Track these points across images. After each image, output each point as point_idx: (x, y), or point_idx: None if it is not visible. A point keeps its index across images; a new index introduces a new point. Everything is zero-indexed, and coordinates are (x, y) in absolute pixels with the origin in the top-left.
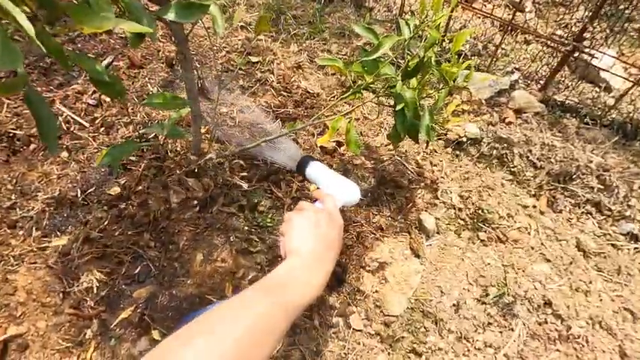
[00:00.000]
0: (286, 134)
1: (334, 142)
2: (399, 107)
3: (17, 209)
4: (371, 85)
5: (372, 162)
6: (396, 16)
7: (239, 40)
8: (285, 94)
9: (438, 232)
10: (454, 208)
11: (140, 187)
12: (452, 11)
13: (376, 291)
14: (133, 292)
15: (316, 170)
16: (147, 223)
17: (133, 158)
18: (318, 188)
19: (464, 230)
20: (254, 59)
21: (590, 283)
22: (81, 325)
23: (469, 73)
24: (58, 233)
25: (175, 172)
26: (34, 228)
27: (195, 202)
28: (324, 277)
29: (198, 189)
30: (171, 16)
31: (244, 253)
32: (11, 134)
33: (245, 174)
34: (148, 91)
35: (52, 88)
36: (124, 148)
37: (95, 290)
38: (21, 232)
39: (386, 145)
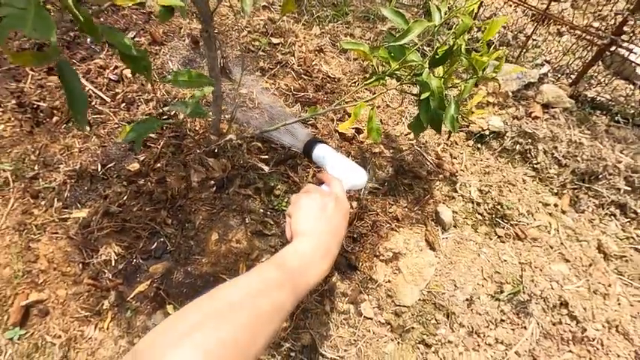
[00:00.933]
0: (305, 119)
1: (353, 128)
2: (424, 96)
3: (40, 180)
4: (396, 72)
5: (391, 151)
6: (424, 1)
7: (261, 20)
8: (305, 77)
9: (454, 226)
10: (472, 202)
11: (159, 165)
12: None
13: (389, 281)
14: (149, 267)
15: (323, 152)
16: (165, 200)
17: (152, 135)
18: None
19: (481, 225)
20: (275, 41)
21: (610, 286)
22: (99, 296)
23: (499, 64)
24: (79, 205)
25: (194, 152)
26: (55, 199)
27: (212, 182)
28: (331, 261)
29: (218, 169)
30: None
31: (259, 235)
32: (35, 106)
33: (262, 157)
34: (168, 68)
35: (74, 61)
36: (147, 124)
37: (113, 263)
38: (43, 203)
39: (406, 135)
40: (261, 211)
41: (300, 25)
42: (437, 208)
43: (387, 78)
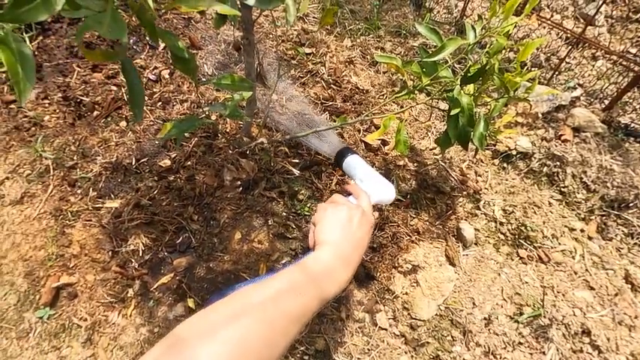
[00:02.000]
0: (334, 127)
1: (379, 140)
2: (453, 112)
3: (78, 170)
4: (426, 87)
5: (415, 164)
6: (456, 19)
7: (295, 30)
8: (334, 87)
9: (475, 244)
10: (495, 222)
11: (189, 163)
12: (522, 19)
13: (406, 293)
14: (173, 260)
15: (354, 163)
16: (192, 197)
17: (185, 135)
18: (353, 182)
19: (503, 245)
20: (307, 50)
21: (636, 317)
22: (124, 284)
23: (532, 85)
24: (112, 196)
25: (225, 152)
26: (91, 189)
27: (239, 182)
28: (351, 272)
29: (249, 170)
30: (251, 1)
31: (280, 237)
32: (79, 100)
33: (293, 161)
34: (203, 71)
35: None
36: (189, 122)
37: (140, 253)
38: (79, 191)
39: (431, 149)
40: (284, 214)
41: (332, 37)
42: (459, 225)
43: (416, 92)
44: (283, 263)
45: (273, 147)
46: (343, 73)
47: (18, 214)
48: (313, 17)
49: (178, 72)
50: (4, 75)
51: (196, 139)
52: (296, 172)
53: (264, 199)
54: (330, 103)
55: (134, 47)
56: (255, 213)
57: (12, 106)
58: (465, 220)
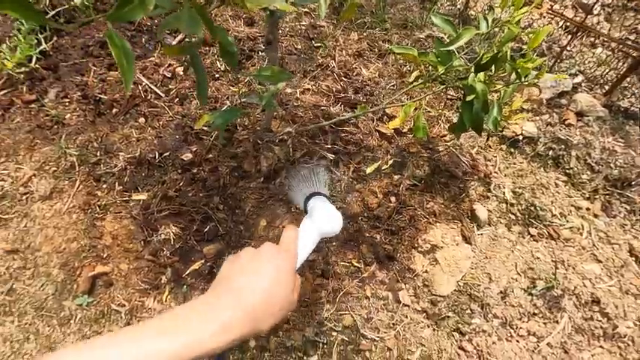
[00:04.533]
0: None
1: (393, 129)
2: (469, 98)
3: (102, 165)
4: (441, 76)
5: (428, 152)
6: (460, 10)
7: (303, 25)
8: (345, 79)
9: (489, 224)
10: (506, 203)
11: (210, 155)
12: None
13: (426, 271)
14: (202, 248)
15: (313, 202)
16: (217, 187)
17: (205, 128)
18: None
19: (514, 224)
20: (316, 44)
21: None
22: (157, 271)
23: (541, 71)
24: (138, 189)
25: (245, 144)
26: (116, 183)
27: (266, 170)
28: (220, 333)
29: (282, 157)
30: None
31: None
32: (97, 98)
33: (325, 146)
34: (216, 67)
35: None
36: (231, 113)
37: (172, 242)
38: (105, 186)
39: (442, 137)
40: None
41: (339, 31)
42: (472, 206)
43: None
44: None
45: (291, 138)
46: (353, 66)
47: (48, 209)
48: (318, 13)
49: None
50: (21, 75)
51: (216, 132)
52: (330, 155)
53: (286, 187)
54: (343, 95)
55: (146, 45)
56: (278, 201)
57: (32, 105)
58: (478, 202)
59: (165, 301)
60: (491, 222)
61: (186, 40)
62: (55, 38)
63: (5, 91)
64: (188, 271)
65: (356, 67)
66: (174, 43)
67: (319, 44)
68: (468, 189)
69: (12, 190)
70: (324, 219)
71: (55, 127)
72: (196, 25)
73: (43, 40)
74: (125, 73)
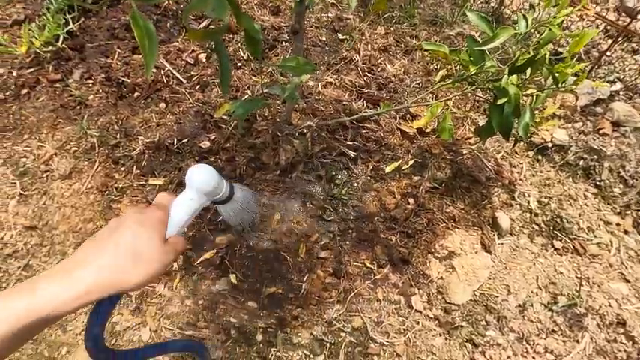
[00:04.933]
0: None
1: (416, 128)
2: (500, 101)
3: (121, 148)
4: (472, 77)
5: (451, 154)
6: (494, 8)
7: (329, 16)
8: (369, 75)
9: (510, 233)
10: (530, 212)
11: (228, 145)
12: (578, 10)
13: (441, 277)
14: (215, 238)
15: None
16: (233, 178)
17: (224, 117)
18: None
19: (538, 236)
20: (341, 37)
21: None
22: None
23: (580, 77)
24: (155, 174)
25: (264, 135)
26: (134, 167)
27: (284, 163)
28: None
29: (301, 151)
30: None
31: (319, 219)
32: (120, 80)
33: (348, 143)
34: (239, 56)
35: None
36: (253, 103)
37: (185, 230)
38: (122, 169)
39: (466, 139)
40: (321, 197)
41: (365, 24)
42: (494, 214)
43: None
44: (322, 244)
45: (310, 132)
46: (378, 61)
47: (67, 189)
48: (346, 4)
49: (214, 56)
50: (48, 54)
51: (235, 121)
52: (351, 153)
53: (302, 181)
54: (366, 90)
55: (171, 30)
56: (293, 195)
57: (57, 84)
58: (501, 209)
59: (176, 288)
60: (514, 231)
61: (211, 26)
62: (82, 19)
63: (32, 69)
64: (199, 260)
65: (381, 63)
66: (198, 29)
67: (345, 37)
68: (490, 195)
69: (33, 168)
70: (193, 175)
71: (78, 107)
72: (223, 9)
73: (70, 20)
74: (147, 56)
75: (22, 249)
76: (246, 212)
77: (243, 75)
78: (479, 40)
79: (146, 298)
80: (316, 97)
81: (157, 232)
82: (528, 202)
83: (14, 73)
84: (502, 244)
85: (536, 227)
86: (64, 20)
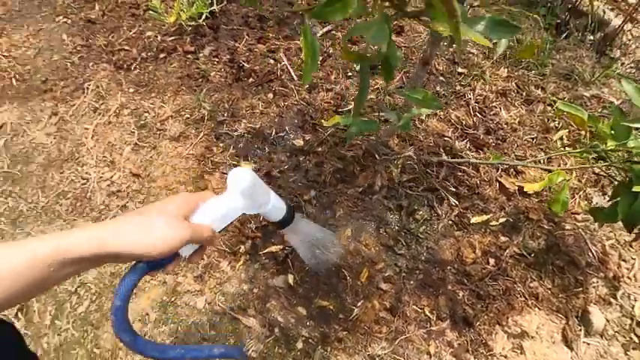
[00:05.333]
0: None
1: (518, 185)
2: (636, 188)
3: (225, 126)
4: (608, 152)
5: (550, 224)
6: None
7: (453, 47)
8: (479, 115)
9: (601, 335)
10: (632, 319)
11: (320, 149)
12: None
13: (505, 356)
14: (283, 235)
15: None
16: (317, 182)
17: (322, 120)
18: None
19: (635, 349)
20: (460, 69)
21: None
22: (239, 239)
23: None
24: (248, 158)
25: (356, 150)
26: (232, 146)
27: (371, 188)
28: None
29: (395, 177)
30: (480, 28)
31: (389, 249)
32: (241, 64)
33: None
34: (351, 66)
35: (280, 37)
36: (368, 125)
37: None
38: (222, 145)
39: (572, 213)
40: (397, 228)
41: (489, 63)
42: (587, 307)
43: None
44: (385, 276)
45: (401, 160)
46: (493, 104)
47: (172, 149)
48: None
49: (328, 62)
50: (189, 28)
51: (331, 129)
52: (441, 192)
53: (382, 206)
54: (472, 131)
55: (296, 28)
56: (370, 217)
57: (189, 56)
58: (596, 304)
59: (238, 269)
60: (605, 334)
61: (332, 32)
62: (224, 2)
63: (173, 37)
64: (265, 251)
65: (495, 106)
66: (320, 33)
67: (463, 70)
68: (587, 284)
69: (151, 123)
70: (232, 174)
71: (200, 80)
72: (384, 38)
73: (215, 2)
74: (307, 65)
75: (124, 190)
76: (318, 249)
77: (351, 85)
78: (628, 113)
79: (210, 270)
80: (418, 125)
81: (177, 206)
82: (632, 307)
83: (159, 38)
84: (588, 344)
85: (636, 339)
86: (210, 1)
